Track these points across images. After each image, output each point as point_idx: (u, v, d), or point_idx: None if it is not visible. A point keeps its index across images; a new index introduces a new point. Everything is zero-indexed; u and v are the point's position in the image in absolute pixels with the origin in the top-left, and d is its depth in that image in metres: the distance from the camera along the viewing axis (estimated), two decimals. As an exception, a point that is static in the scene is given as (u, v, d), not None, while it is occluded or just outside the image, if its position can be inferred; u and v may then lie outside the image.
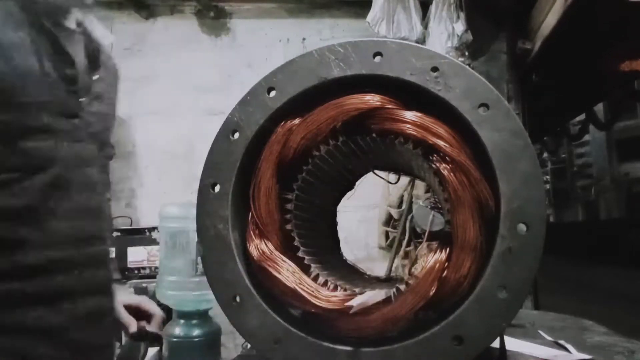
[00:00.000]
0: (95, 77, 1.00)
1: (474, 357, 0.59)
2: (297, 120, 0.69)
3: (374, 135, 0.68)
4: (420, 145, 0.64)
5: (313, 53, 0.68)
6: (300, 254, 0.71)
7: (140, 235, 2.66)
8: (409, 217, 2.79)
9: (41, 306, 0.85)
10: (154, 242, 2.61)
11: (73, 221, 0.90)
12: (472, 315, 0.59)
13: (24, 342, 0.83)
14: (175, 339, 1.96)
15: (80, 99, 0.94)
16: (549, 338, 1.10)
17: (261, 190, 0.69)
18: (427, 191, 2.57)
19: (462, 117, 0.62)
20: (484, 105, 0.61)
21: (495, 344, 0.81)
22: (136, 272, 2.58)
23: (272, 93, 0.69)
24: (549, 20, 2.26)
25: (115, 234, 2.64)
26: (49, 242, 0.86)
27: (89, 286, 0.92)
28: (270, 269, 0.67)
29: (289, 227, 0.72)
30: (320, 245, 0.81)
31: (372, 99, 0.65)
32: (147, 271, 2.58)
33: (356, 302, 0.62)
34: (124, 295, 1.18)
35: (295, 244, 0.71)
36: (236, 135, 0.70)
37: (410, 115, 0.64)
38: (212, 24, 3.74)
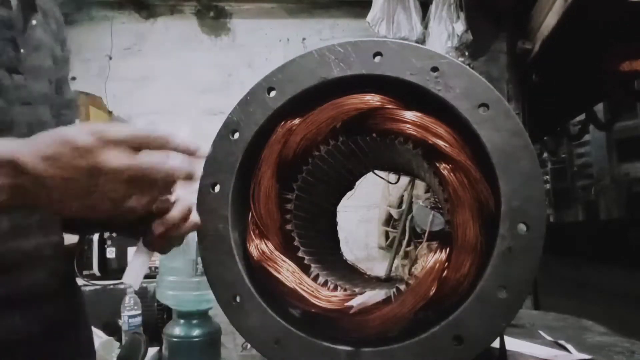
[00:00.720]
0: (33, 22, 0.80)
1: (474, 357, 0.59)
2: (297, 120, 0.69)
3: (374, 135, 0.68)
4: (420, 145, 0.64)
5: (313, 53, 0.68)
6: (300, 254, 0.71)
7: (140, 235, 2.65)
8: (409, 217, 2.78)
9: (13, 312, 0.70)
10: (154, 242, 2.61)
11: None
12: (472, 315, 0.59)
13: None
14: (175, 339, 1.96)
15: (20, 50, 0.76)
16: (549, 338, 1.11)
17: (261, 190, 0.69)
18: (427, 191, 2.57)
19: (462, 117, 0.62)
20: (484, 105, 0.61)
21: (495, 344, 0.81)
22: (136, 272, 2.57)
23: (272, 93, 0.69)
24: (549, 20, 2.26)
25: (115, 233, 2.64)
26: (15, 230, 0.71)
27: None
28: (270, 269, 0.67)
29: (289, 227, 0.72)
30: (320, 245, 0.81)
31: (372, 99, 0.65)
32: (147, 271, 2.58)
33: (356, 302, 0.62)
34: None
35: (295, 244, 0.71)
36: (236, 135, 0.70)
37: (410, 115, 0.64)
38: (212, 24, 3.74)
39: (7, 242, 0.71)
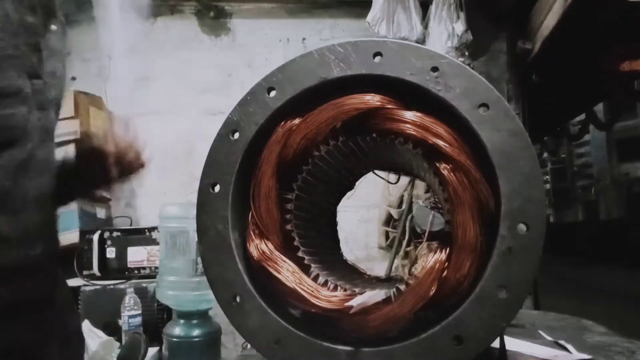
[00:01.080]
0: (53, 28, 0.80)
1: (474, 357, 0.59)
2: (297, 120, 0.69)
3: (374, 135, 0.68)
4: (420, 145, 0.64)
5: (313, 53, 0.68)
6: (300, 254, 0.71)
7: (140, 235, 2.65)
8: (409, 217, 2.78)
9: (17, 319, 0.70)
10: (154, 242, 2.61)
11: (41, 209, 0.74)
12: (472, 315, 0.59)
13: None
14: (175, 339, 1.96)
15: (43, 55, 0.77)
16: (549, 338, 1.10)
17: (261, 190, 0.69)
18: (427, 191, 2.57)
19: (462, 117, 0.62)
20: (484, 105, 0.61)
21: (495, 344, 0.81)
22: (136, 272, 2.57)
23: (272, 93, 0.69)
24: (549, 20, 2.26)
25: (115, 234, 2.65)
26: (25, 237, 0.71)
27: (47, 293, 0.77)
28: (270, 269, 0.67)
29: (289, 227, 0.72)
30: (320, 245, 0.81)
31: (372, 99, 0.65)
32: (147, 271, 2.58)
33: (356, 302, 0.62)
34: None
35: (295, 244, 0.71)
36: (236, 135, 0.70)
37: (410, 115, 0.64)
38: (212, 24, 3.74)
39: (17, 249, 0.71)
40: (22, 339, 0.71)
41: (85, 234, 2.52)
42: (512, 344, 0.98)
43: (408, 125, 0.64)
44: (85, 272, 2.47)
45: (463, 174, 0.61)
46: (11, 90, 0.70)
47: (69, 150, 0.94)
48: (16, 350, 0.71)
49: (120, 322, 2.11)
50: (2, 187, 0.66)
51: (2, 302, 0.68)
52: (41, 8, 0.77)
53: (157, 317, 2.33)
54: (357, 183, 0.93)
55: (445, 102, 0.63)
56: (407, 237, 2.82)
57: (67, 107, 2.76)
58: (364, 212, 3.43)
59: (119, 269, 2.57)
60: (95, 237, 2.54)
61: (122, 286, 2.37)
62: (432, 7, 2.53)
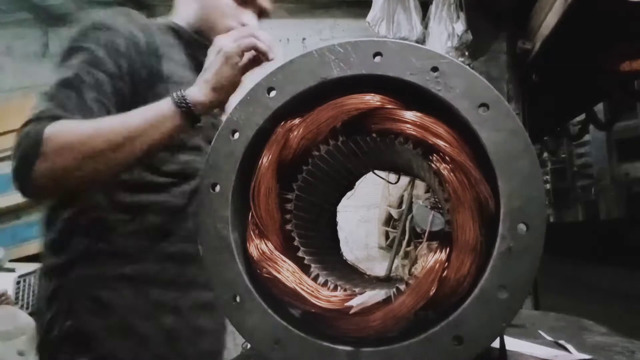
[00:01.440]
0: (216, 111, 1.11)
1: (474, 357, 0.59)
2: (297, 120, 0.69)
3: (374, 135, 0.68)
4: (420, 145, 0.64)
5: (313, 53, 0.68)
6: (300, 254, 0.71)
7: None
8: (409, 217, 2.79)
9: (174, 290, 1.08)
10: (154, 242, 2.60)
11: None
12: (472, 315, 0.59)
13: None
14: (175, 339, 1.94)
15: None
16: (549, 338, 1.10)
17: (261, 190, 0.69)
18: (427, 191, 2.57)
19: (462, 117, 0.62)
20: (484, 105, 0.61)
21: (495, 344, 0.81)
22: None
23: (272, 93, 0.69)
24: (549, 20, 2.26)
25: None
26: (186, 237, 1.08)
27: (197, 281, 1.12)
28: (270, 269, 0.67)
29: (289, 227, 0.72)
30: (320, 245, 0.81)
31: (372, 99, 0.65)
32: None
33: (356, 302, 0.62)
34: None
35: (295, 244, 0.71)
36: (236, 135, 0.70)
37: (410, 115, 0.64)
38: (212, 24, 3.74)
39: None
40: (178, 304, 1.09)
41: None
42: (512, 344, 0.98)
43: (408, 125, 0.64)
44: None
45: (463, 174, 0.61)
46: (194, 146, 1.14)
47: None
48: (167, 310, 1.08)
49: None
50: (182, 204, 1.10)
51: (158, 277, 1.06)
52: None
53: (157, 317, 2.33)
54: (357, 183, 0.93)
55: (445, 102, 0.63)
56: (407, 237, 2.82)
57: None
58: (364, 212, 3.43)
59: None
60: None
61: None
62: (432, 7, 2.54)
